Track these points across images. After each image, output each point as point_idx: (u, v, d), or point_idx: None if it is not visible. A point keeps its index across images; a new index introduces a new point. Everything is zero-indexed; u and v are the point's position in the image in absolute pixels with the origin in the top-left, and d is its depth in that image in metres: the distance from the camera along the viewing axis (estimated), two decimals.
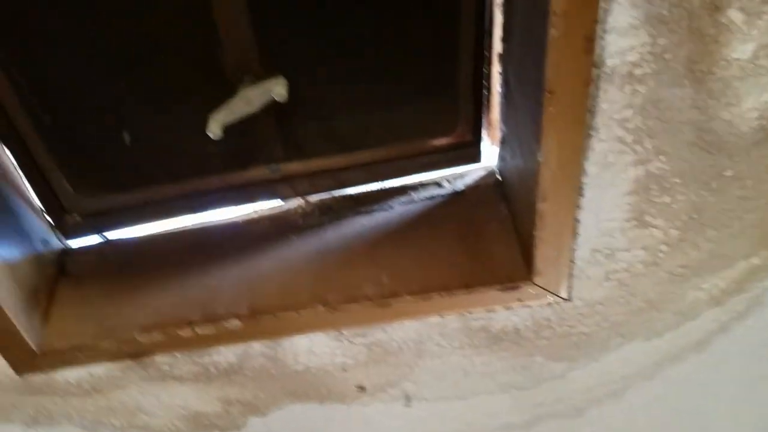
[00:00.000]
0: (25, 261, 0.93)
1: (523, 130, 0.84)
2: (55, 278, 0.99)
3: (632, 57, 0.66)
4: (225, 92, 0.93)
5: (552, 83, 0.68)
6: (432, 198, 1.04)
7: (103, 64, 0.90)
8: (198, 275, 0.97)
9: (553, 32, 0.63)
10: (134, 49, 0.89)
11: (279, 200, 1.08)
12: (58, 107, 0.93)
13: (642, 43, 0.65)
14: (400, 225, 0.99)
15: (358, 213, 1.03)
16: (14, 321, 0.87)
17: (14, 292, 0.88)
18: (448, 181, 1.06)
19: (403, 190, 1.05)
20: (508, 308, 0.92)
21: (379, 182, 1.08)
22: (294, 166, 1.07)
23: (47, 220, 1.02)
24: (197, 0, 0.85)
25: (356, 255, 0.96)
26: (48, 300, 0.97)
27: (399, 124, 1.05)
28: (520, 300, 0.91)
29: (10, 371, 0.94)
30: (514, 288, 0.90)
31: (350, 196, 1.06)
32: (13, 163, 0.95)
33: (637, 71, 0.68)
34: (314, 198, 1.07)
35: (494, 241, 0.94)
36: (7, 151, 0.94)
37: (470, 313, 0.93)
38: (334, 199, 1.05)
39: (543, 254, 0.85)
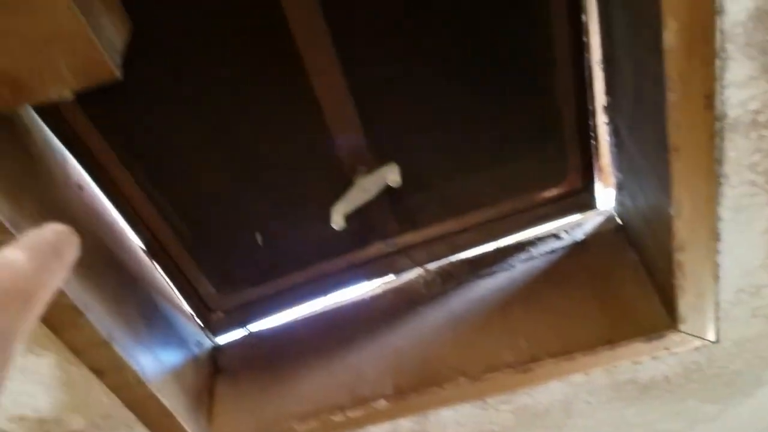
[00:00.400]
0: (186, 365, 1.01)
1: (645, 179, 0.84)
2: (211, 376, 1.07)
3: (754, 105, 0.65)
4: (342, 184, 0.99)
5: (676, 141, 0.68)
6: (553, 251, 1.04)
7: (232, 175, 0.98)
8: (339, 357, 1.02)
9: (671, 96, 0.64)
10: (259, 159, 0.97)
11: (400, 273, 1.11)
12: (196, 218, 1.02)
13: (763, 91, 0.64)
14: (526, 284, 1.00)
15: (480, 276, 1.05)
16: (185, 426, 0.95)
17: (182, 397, 0.96)
18: (566, 231, 1.06)
19: (521, 246, 1.06)
20: (654, 358, 0.91)
21: (496, 241, 1.09)
22: (410, 237, 1.11)
23: (197, 322, 1.10)
24: (310, 107, 0.91)
25: (489, 321, 0.97)
26: (209, 399, 1.04)
27: (508, 181, 1.06)
28: (666, 348, 0.89)
29: None
30: (660, 337, 0.88)
31: (469, 260, 1.08)
32: (162, 276, 1.04)
33: (761, 118, 0.66)
34: (434, 266, 1.10)
35: (630, 291, 0.93)
36: (156, 265, 1.03)
37: (616, 367, 0.91)
38: (454, 264, 1.08)
39: (686, 302, 0.84)
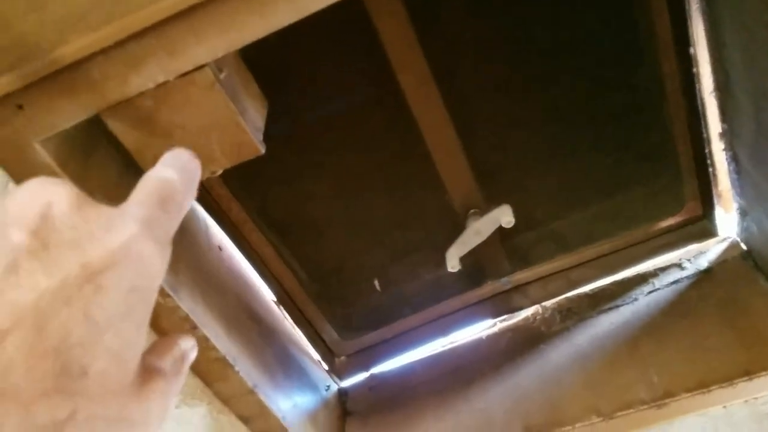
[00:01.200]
0: (318, 409, 1.07)
1: None
2: (341, 419, 1.13)
3: None
4: (456, 227, 1.03)
5: None
6: (677, 281, 1.03)
7: (352, 230, 1.05)
8: (464, 398, 1.04)
9: None
10: (376, 213, 1.03)
11: (517, 311, 1.13)
12: (320, 271, 1.09)
13: None
14: (652, 316, 0.99)
15: (602, 311, 1.05)
16: None
17: None
18: (690, 260, 1.04)
19: (643, 278, 1.06)
20: None
21: (613, 275, 1.09)
22: (524, 275, 1.13)
23: (323, 367, 1.16)
24: (422, 159, 0.97)
25: (616, 356, 0.97)
26: None
27: (623, 214, 1.06)
28: None
29: None
30: None
31: (588, 295, 1.09)
32: (292, 325, 1.12)
33: None
34: (551, 303, 1.11)
35: (763, 319, 0.90)
36: (287, 316, 1.11)
37: (756, 399, 0.89)
38: (572, 300, 1.08)
39: None
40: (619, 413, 0.91)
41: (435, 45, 0.88)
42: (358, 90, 0.92)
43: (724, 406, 0.89)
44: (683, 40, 0.86)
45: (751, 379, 0.87)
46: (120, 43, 0.60)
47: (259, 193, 1.00)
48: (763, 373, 0.87)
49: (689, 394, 0.89)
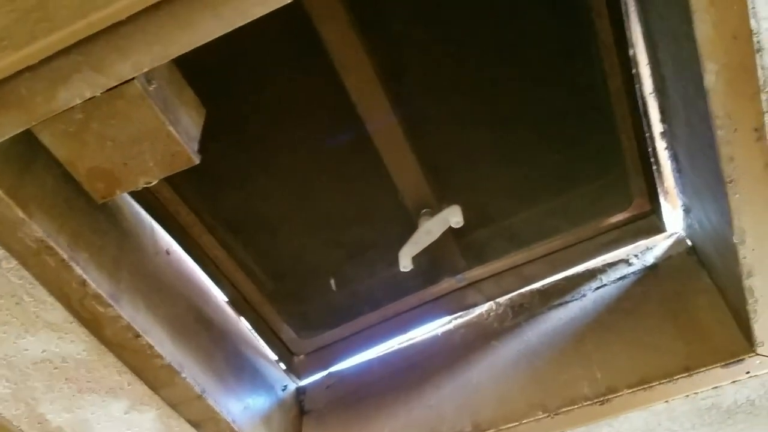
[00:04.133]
0: (274, 409, 1.09)
1: (707, 204, 0.85)
2: (298, 418, 1.15)
3: None
4: (408, 227, 1.05)
5: (729, 173, 0.70)
6: (624, 278, 1.06)
7: (305, 229, 1.07)
8: (418, 395, 1.08)
9: (719, 132, 0.67)
10: (329, 213, 1.06)
11: (472, 307, 1.16)
12: (274, 271, 1.12)
13: None
14: (598, 313, 1.03)
15: (552, 307, 1.08)
16: None
17: None
18: (637, 256, 1.08)
19: (591, 274, 1.09)
20: (735, 382, 0.91)
21: (564, 271, 1.12)
22: (478, 272, 1.16)
23: (281, 367, 1.19)
24: (372, 161, 0.99)
25: (563, 353, 1.00)
26: None
27: (573, 210, 1.10)
28: (748, 372, 0.90)
29: None
30: (739, 362, 0.89)
31: (539, 291, 1.12)
32: (247, 326, 1.14)
33: None
34: (504, 299, 1.15)
35: (705, 316, 0.94)
36: (241, 318, 1.13)
37: (696, 394, 0.93)
38: (524, 296, 1.12)
39: (761, 325, 0.84)
40: (564, 409, 0.95)
41: (379, 46, 0.90)
42: (304, 92, 0.94)
43: (666, 401, 0.93)
44: (623, 41, 0.89)
45: (690, 375, 0.91)
46: (45, 61, 0.61)
47: (209, 195, 1.01)
48: (702, 368, 0.91)
49: (631, 390, 0.93)
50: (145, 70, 0.62)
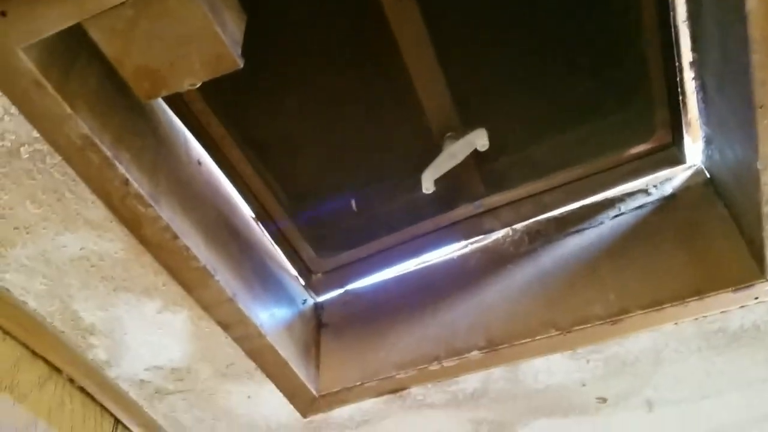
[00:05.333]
0: (295, 320, 1.15)
1: (733, 134, 0.88)
2: (317, 331, 1.21)
3: None
4: (431, 150, 1.08)
5: (761, 99, 0.73)
6: (642, 207, 1.10)
7: (330, 148, 1.10)
8: (433, 313, 1.13)
9: (755, 57, 0.69)
10: (354, 131, 1.08)
11: (488, 233, 1.20)
12: (297, 189, 1.15)
13: None
14: (615, 240, 1.07)
15: (568, 234, 1.13)
16: (298, 373, 1.09)
17: (293, 347, 1.10)
18: (655, 186, 1.11)
19: (610, 203, 1.13)
20: (743, 307, 0.96)
21: (583, 200, 1.16)
22: (496, 199, 1.19)
23: (300, 282, 1.24)
24: (401, 78, 1.01)
25: (578, 276, 1.05)
26: (316, 350, 1.18)
27: (595, 139, 1.12)
28: (756, 298, 0.94)
29: (298, 415, 1.16)
30: (749, 287, 0.94)
31: (557, 218, 1.16)
32: (270, 241, 1.18)
33: None
34: (521, 226, 1.18)
35: (719, 244, 0.98)
36: (265, 232, 1.17)
37: (705, 317, 0.98)
38: (541, 223, 1.16)
39: None
40: (576, 327, 1.00)
41: None
42: (337, 6, 0.95)
43: (676, 323, 0.99)
44: None
45: (701, 299, 0.96)
46: None
47: (239, 109, 1.04)
48: (713, 293, 0.95)
49: (643, 312, 0.98)
50: None
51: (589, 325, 1.00)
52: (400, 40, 0.97)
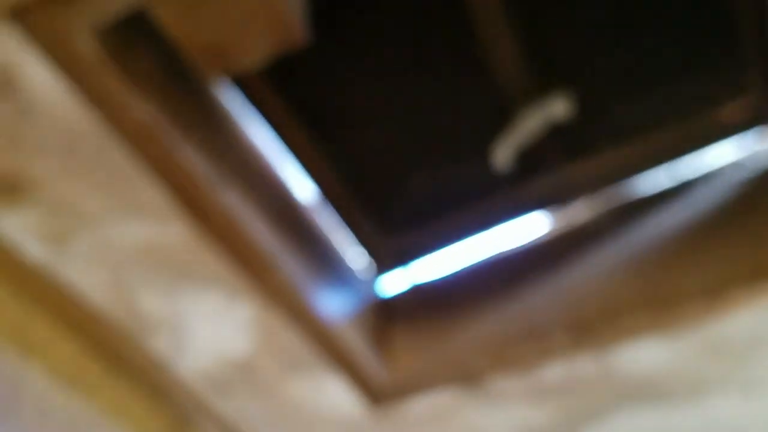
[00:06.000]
0: (364, 308, 1.17)
1: None
2: (385, 317, 1.23)
3: None
4: (505, 119, 1.08)
5: None
6: (735, 179, 1.08)
7: (396, 122, 1.11)
8: (513, 298, 1.13)
9: None
10: (420, 101, 1.09)
11: (571, 205, 1.19)
12: (362, 168, 1.17)
13: None
14: (709, 215, 1.06)
15: (658, 210, 1.11)
16: (368, 362, 1.12)
17: (364, 336, 1.13)
18: (749, 155, 1.09)
19: (701, 178, 1.11)
20: None
21: (672, 164, 1.14)
22: (579, 167, 1.18)
23: (367, 266, 1.26)
24: (469, 35, 1.00)
25: (671, 253, 1.04)
26: (385, 338, 1.20)
27: (683, 101, 1.10)
28: None
29: (367, 407, 1.19)
30: None
31: (645, 193, 1.14)
32: (335, 224, 1.20)
33: None
34: (606, 198, 1.17)
35: None
36: (329, 215, 1.19)
37: None
38: (630, 198, 1.14)
39: None
40: (670, 306, 1.00)
41: None
42: None
43: None
44: None
45: None
46: None
47: (300, 85, 1.05)
48: None
49: (743, 287, 0.96)
50: None
51: (685, 304, 0.99)
52: (467, 1, 0.97)
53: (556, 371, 1.10)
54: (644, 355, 1.06)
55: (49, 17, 0.71)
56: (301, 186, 1.14)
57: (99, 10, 0.71)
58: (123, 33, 0.78)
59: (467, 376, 1.13)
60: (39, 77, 0.77)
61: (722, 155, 1.11)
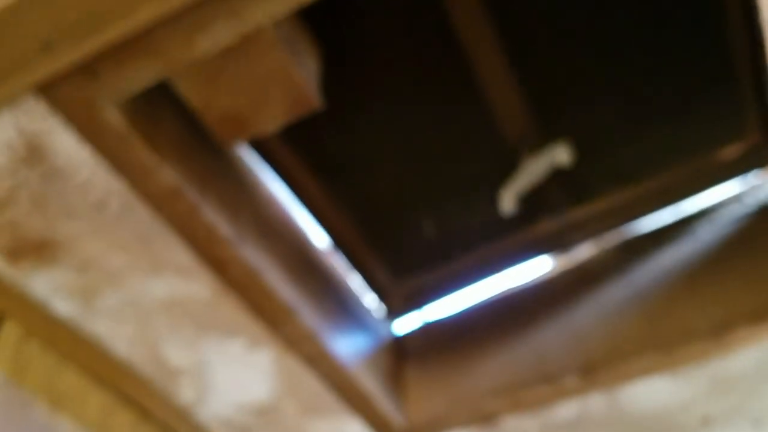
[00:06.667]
0: (378, 351, 1.20)
1: None
2: (400, 360, 1.26)
3: None
4: (509, 164, 1.11)
5: None
6: (736, 214, 1.10)
7: (403, 169, 1.15)
8: (523, 337, 1.16)
9: None
10: (427, 149, 1.12)
11: (575, 247, 1.22)
12: (373, 214, 1.20)
13: None
14: (710, 251, 1.08)
15: (661, 247, 1.14)
16: (384, 405, 1.14)
17: (379, 380, 1.15)
18: (749, 192, 1.11)
19: (702, 213, 1.13)
20: None
21: (673, 207, 1.17)
22: (581, 210, 1.21)
23: (380, 309, 1.29)
24: (473, 90, 1.04)
25: (675, 291, 1.06)
26: (400, 380, 1.23)
27: (683, 143, 1.13)
28: None
29: None
30: None
31: (648, 231, 1.17)
32: (347, 269, 1.23)
33: None
34: (610, 238, 1.20)
35: None
36: (342, 261, 1.23)
37: None
38: (632, 237, 1.17)
39: None
40: (678, 346, 1.01)
41: None
42: (404, 22, 0.99)
43: None
44: None
45: None
46: (188, 9, 0.69)
47: (311, 136, 1.09)
48: None
49: (747, 326, 0.98)
50: (281, 17, 0.70)
51: (691, 343, 1.01)
52: (472, 54, 1.01)
53: (568, 410, 1.12)
54: (653, 392, 1.08)
55: (75, 90, 0.76)
56: (315, 233, 1.17)
57: (122, 85, 0.75)
58: (146, 102, 0.83)
59: (483, 417, 1.15)
60: (65, 145, 0.81)
61: (722, 191, 1.14)
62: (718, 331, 1.00)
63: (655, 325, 1.04)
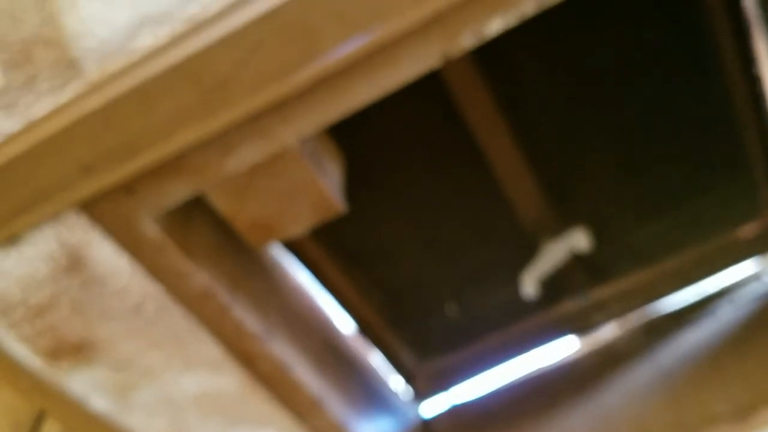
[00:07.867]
0: None
1: None
2: None
3: None
4: (528, 248, 1.14)
5: None
6: (756, 294, 1.11)
7: (425, 255, 1.18)
8: (548, 421, 1.16)
9: None
10: (448, 237, 1.16)
11: (597, 328, 1.23)
12: (397, 298, 1.23)
13: None
14: (733, 331, 1.09)
15: (683, 326, 1.15)
16: None
17: None
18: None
19: (722, 293, 1.15)
20: None
21: (693, 287, 1.18)
22: (603, 291, 1.23)
23: (405, 392, 1.30)
24: (490, 183, 1.08)
25: (699, 371, 1.07)
26: None
27: (698, 224, 1.16)
28: None
29: None
30: None
31: (670, 311, 1.18)
32: (371, 352, 1.26)
33: None
34: (632, 319, 1.21)
35: None
36: (367, 346, 1.25)
37: None
38: (655, 317, 1.18)
39: None
40: (702, 429, 1.01)
41: (497, 74, 0.99)
42: (419, 118, 1.04)
43: None
44: (745, 53, 0.95)
45: None
46: (220, 133, 0.74)
47: (335, 228, 1.13)
48: None
49: None
50: (307, 135, 0.74)
51: (716, 427, 1.01)
52: (487, 147, 1.05)
53: None
54: None
55: (114, 207, 0.81)
56: (341, 320, 1.20)
57: (159, 201, 0.80)
58: (181, 212, 0.87)
59: None
60: (105, 255, 0.86)
61: (741, 270, 1.15)
62: (742, 414, 1.00)
63: (680, 409, 1.05)
